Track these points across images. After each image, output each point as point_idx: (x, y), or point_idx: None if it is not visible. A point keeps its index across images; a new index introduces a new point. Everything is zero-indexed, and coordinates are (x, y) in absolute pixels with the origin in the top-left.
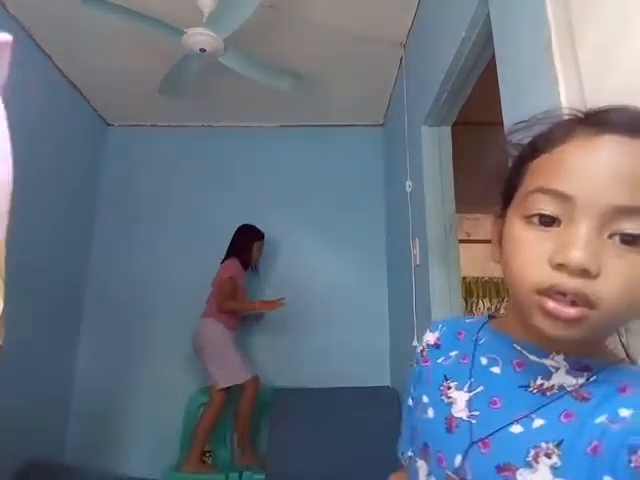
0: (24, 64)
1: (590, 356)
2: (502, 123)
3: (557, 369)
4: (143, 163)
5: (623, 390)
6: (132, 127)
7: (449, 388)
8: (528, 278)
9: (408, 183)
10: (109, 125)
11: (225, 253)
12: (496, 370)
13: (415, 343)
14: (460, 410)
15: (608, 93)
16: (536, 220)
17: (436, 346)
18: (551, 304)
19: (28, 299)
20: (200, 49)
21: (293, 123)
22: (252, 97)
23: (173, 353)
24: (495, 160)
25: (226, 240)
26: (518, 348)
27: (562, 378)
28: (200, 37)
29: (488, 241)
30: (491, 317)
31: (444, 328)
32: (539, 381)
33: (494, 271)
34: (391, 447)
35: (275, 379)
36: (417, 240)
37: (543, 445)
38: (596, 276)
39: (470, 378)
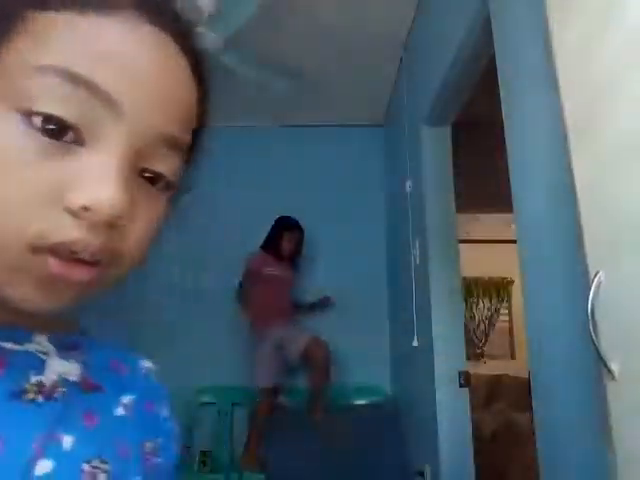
0: None
1: (66, 329)
2: (502, 123)
3: (47, 355)
4: None
5: (118, 369)
6: None
7: None
8: (20, 224)
9: (408, 183)
10: None
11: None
12: None
13: (415, 343)
14: None
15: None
16: (38, 123)
17: None
18: (57, 266)
19: None
20: None
21: (293, 123)
22: (252, 97)
23: (173, 353)
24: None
25: (224, 239)
26: None
27: (59, 367)
28: (200, 37)
29: (488, 241)
30: None
31: None
32: (34, 379)
33: (494, 271)
34: (389, 458)
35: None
36: (417, 240)
37: (87, 469)
38: (124, 225)
39: None
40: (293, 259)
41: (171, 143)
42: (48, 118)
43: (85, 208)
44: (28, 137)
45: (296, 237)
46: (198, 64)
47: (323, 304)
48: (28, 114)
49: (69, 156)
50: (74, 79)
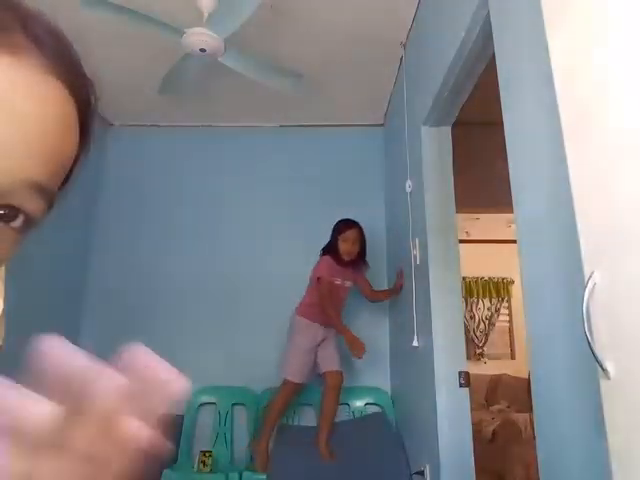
0: None
1: None
2: (502, 123)
3: None
4: (144, 163)
5: None
6: (133, 127)
7: None
8: None
9: (408, 183)
10: (110, 125)
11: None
12: None
13: (415, 343)
14: None
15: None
16: None
17: None
18: None
19: (29, 299)
20: (200, 49)
21: (293, 123)
22: (252, 97)
23: (174, 353)
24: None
25: (225, 239)
26: None
27: None
28: (200, 37)
29: (488, 241)
30: None
31: None
32: None
33: (494, 271)
34: (389, 458)
35: (278, 378)
36: (417, 240)
37: None
38: None
39: None
40: (357, 261)
41: (38, 188)
42: None
43: None
44: None
45: (352, 237)
46: (88, 121)
47: (398, 279)
48: None
49: None
50: None
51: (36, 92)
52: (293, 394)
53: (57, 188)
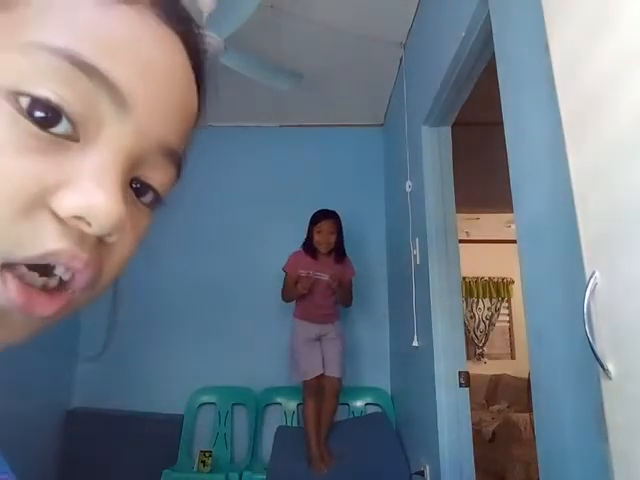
0: None
1: None
2: (502, 123)
3: None
4: None
5: None
6: None
7: None
8: None
9: (408, 183)
10: None
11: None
12: None
13: (415, 343)
14: None
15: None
16: (25, 105)
17: None
18: (20, 293)
19: None
20: None
21: (293, 123)
22: (252, 97)
23: (173, 352)
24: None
25: (225, 239)
26: None
27: None
28: None
29: (488, 241)
30: None
31: None
32: None
33: (494, 271)
34: (389, 458)
35: (278, 378)
36: (417, 240)
37: None
38: (114, 240)
39: None
40: (336, 252)
41: (170, 153)
42: (38, 102)
43: (77, 216)
44: (10, 121)
45: (327, 227)
46: (201, 71)
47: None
48: (14, 94)
49: (59, 152)
50: (80, 64)
51: (163, 44)
52: (316, 391)
53: (183, 151)
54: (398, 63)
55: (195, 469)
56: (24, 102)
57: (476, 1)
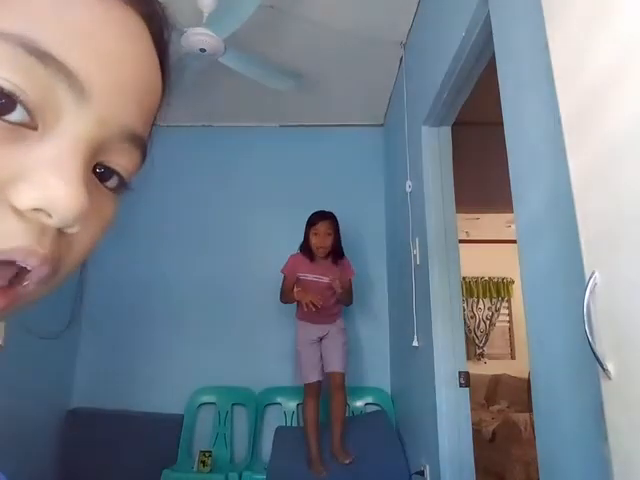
0: None
1: None
2: (502, 123)
3: None
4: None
5: None
6: None
7: None
8: None
9: (408, 183)
10: None
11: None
12: None
13: (415, 343)
14: None
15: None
16: None
17: None
18: None
19: None
20: (200, 49)
21: (293, 123)
22: (252, 97)
23: (173, 352)
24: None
25: (225, 239)
26: None
27: None
28: (200, 37)
29: (488, 241)
30: None
31: None
32: None
33: (494, 271)
34: (389, 458)
35: (278, 378)
36: (417, 240)
37: None
38: (76, 231)
39: None
40: (334, 254)
41: (133, 138)
42: None
43: (36, 208)
44: None
45: (324, 229)
46: (165, 60)
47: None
48: None
49: (15, 141)
50: (34, 50)
51: (124, 28)
52: (316, 395)
53: (147, 135)
54: (398, 63)
55: (195, 469)
56: None
57: (476, 1)
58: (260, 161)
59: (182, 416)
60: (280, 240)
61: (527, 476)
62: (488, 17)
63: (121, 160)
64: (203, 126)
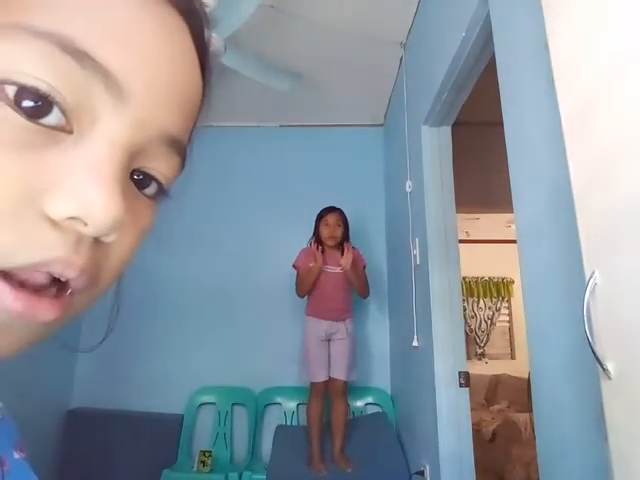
0: None
1: None
2: (502, 123)
3: None
4: None
5: None
6: None
7: None
8: None
9: (408, 183)
10: None
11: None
12: None
13: (415, 343)
14: None
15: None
16: (11, 94)
17: None
18: (21, 300)
19: None
20: None
21: (293, 123)
22: (252, 97)
23: (173, 352)
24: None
25: (225, 239)
26: None
27: None
28: None
29: (488, 241)
30: None
31: None
32: None
33: (494, 271)
34: (388, 458)
35: (277, 378)
36: (417, 240)
37: None
38: (112, 240)
39: None
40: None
41: (173, 142)
42: (25, 90)
43: (71, 216)
44: None
45: (333, 220)
46: (206, 59)
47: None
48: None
49: (51, 145)
50: (71, 50)
51: (163, 26)
52: (321, 394)
53: (187, 140)
54: (398, 63)
55: (195, 469)
56: (10, 91)
57: (476, 1)
58: (260, 161)
59: (182, 416)
60: (280, 239)
61: (527, 476)
62: (488, 17)
63: (160, 166)
64: (203, 126)
